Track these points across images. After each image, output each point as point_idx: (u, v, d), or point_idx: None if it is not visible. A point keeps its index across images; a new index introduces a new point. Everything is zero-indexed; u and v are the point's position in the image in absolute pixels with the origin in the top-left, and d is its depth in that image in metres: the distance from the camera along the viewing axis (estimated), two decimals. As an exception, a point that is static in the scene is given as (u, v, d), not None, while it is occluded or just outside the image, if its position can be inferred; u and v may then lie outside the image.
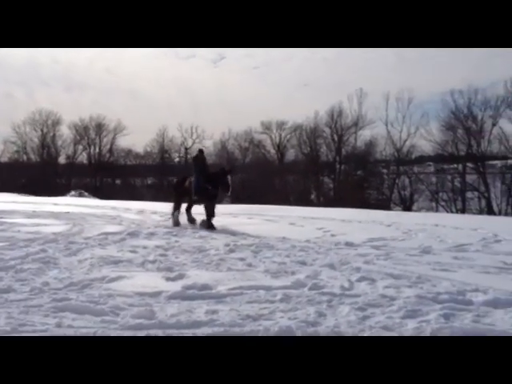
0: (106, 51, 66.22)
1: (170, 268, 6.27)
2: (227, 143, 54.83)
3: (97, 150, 55.86)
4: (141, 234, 9.65)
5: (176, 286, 5.21)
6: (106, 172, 54.84)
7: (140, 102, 74.00)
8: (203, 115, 71.61)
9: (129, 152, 56.06)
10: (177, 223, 12.04)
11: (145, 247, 7.91)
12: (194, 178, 12.12)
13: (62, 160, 56.42)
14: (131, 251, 7.50)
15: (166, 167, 53.92)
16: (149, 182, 56.13)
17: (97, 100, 72.06)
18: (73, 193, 39.98)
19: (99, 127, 55.13)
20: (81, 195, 38.32)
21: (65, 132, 55.43)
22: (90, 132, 55.43)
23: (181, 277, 5.74)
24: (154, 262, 6.69)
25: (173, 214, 12.27)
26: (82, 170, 55.34)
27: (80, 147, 55.82)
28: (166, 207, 18.38)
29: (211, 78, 74.19)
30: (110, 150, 55.82)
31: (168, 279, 5.66)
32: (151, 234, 9.63)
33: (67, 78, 74.20)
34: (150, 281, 5.56)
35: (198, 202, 12.12)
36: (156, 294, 4.92)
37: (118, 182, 56.49)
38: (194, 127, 53.98)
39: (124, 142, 56.04)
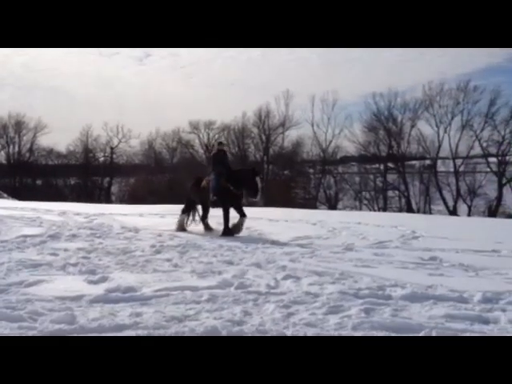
0: (24, 45, 62.86)
1: (93, 271, 6.06)
2: (155, 143, 54.08)
3: (16, 149, 53.09)
4: (62, 236, 9.27)
5: (99, 290, 5.05)
6: (26, 172, 52.26)
7: (62, 99, 71.12)
8: (129, 114, 70.13)
9: (50, 151, 53.75)
10: (182, 227, 11.12)
11: (66, 250, 7.61)
12: (214, 177, 10.89)
13: (-22, 160, 53.33)
14: (52, 254, 7.18)
15: (90, 167, 52.24)
16: (72, 182, 54.07)
17: (15, 97, 68.45)
18: (-11, 194, 37.87)
19: (18, 125, 52.41)
20: (-2, 196, 36.36)
21: (-19, 130, 52.36)
22: (9, 130, 52.67)
23: (104, 279, 5.56)
24: (75, 264, 6.44)
25: (180, 216, 11.33)
26: (0, 170, 52.45)
27: (-2, 146, 52.95)
28: (90, 208, 17.88)
29: (137, 76, 72.77)
30: (31, 150, 53.28)
31: (90, 282, 5.47)
32: (73, 236, 9.28)
33: (-19, 73, 70.01)
34: (71, 284, 5.33)
35: (216, 205, 10.92)
36: (77, 298, 4.74)
37: (38, 182, 54.00)
38: (119, 126, 52.62)
39: (45, 140, 53.52)
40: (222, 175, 10.79)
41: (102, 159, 54.39)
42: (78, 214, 14.49)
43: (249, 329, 3.86)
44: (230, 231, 10.48)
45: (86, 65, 71.06)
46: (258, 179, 10.61)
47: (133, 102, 71.66)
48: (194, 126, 52.21)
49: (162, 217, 14.67)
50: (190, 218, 11.57)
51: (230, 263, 6.86)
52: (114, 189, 53.37)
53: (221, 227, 10.76)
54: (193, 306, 4.56)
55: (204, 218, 11.47)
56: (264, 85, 66.80)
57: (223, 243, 8.80)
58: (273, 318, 4.19)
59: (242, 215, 10.67)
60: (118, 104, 70.27)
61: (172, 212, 16.11)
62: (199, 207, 11.75)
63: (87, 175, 51.85)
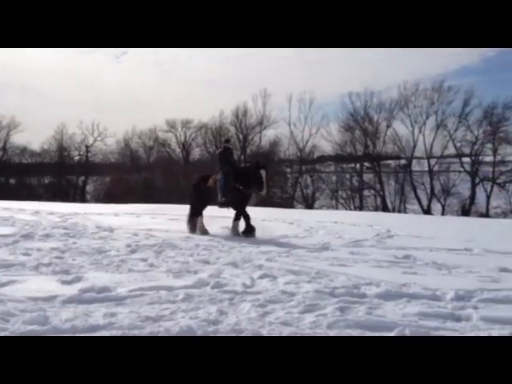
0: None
1: (67, 271, 5.97)
2: (131, 141, 53.44)
3: (-12, 147, 52.09)
4: (36, 235, 9.11)
5: (72, 290, 4.97)
6: (-1, 171, 51.29)
7: (36, 97, 69.71)
8: (105, 112, 69.05)
9: (24, 150, 52.75)
10: (194, 229, 10.58)
11: (39, 250, 7.47)
12: (221, 177, 10.49)
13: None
14: (24, 254, 7.04)
15: (65, 166, 51.45)
16: (46, 181, 53.18)
17: (-14, 95, 66.83)
18: (-40, 193, 37.03)
19: (-10, 123, 51.40)
20: (-31, 195, 35.59)
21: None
22: (-19, 129, 51.55)
23: (78, 280, 5.48)
24: (49, 264, 6.34)
25: (190, 219, 10.76)
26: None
27: (-31, 144, 51.77)
28: (65, 208, 17.64)
29: (113, 74, 71.87)
30: (4, 148, 52.14)
31: (64, 282, 5.38)
32: (47, 236, 9.12)
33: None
34: (44, 285, 5.24)
35: (225, 206, 10.58)
36: (50, 299, 4.66)
37: (12, 181, 52.98)
38: (95, 124, 51.85)
39: (19, 139, 52.52)
40: (230, 174, 10.45)
41: (77, 158, 53.60)
42: (52, 214, 14.27)
43: (224, 328, 3.86)
44: (252, 228, 10.18)
45: (60, 62, 69.80)
46: (262, 172, 10.25)
47: (109, 100, 70.87)
48: (171, 125, 51.87)
49: (138, 216, 14.55)
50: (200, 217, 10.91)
51: (207, 262, 6.85)
52: (90, 188, 52.68)
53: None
54: (168, 306, 4.53)
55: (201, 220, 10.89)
56: (242, 84, 67.06)
57: (200, 242, 8.77)
58: (248, 318, 4.19)
59: (235, 219, 10.34)
60: (94, 102, 69.35)
61: (148, 211, 16.07)
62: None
63: (62, 174, 51.03)
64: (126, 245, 8.22)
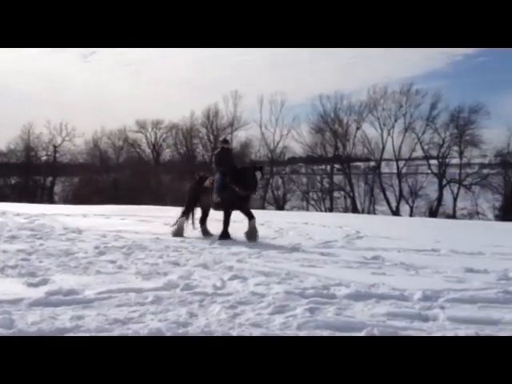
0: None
1: (33, 273, 5.84)
2: (100, 142, 52.62)
3: (-49, 146, 50.66)
4: (1, 237, 8.92)
5: (39, 292, 4.87)
6: (-38, 171, 49.92)
7: (1, 96, 68.18)
8: (74, 112, 67.83)
9: (-11, 149, 51.54)
10: (180, 233, 10.28)
11: (5, 251, 7.31)
12: (219, 177, 10.19)
13: None
14: (-11, 256, 6.90)
15: (32, 166, 50.37)
16: (13, 181, 51.97)
17: None
18: None
19: (-46, 122, 50.08)
20: None
21: None
22: None
23: (45, 282, 5.37)
24: (15, 267, 6.20)
25: (179, 219, 10.45)
26: None
27: None
28: (32, 209, 17.28)
29: (82, 73, 70.61)
30: (-32, 147, 50.94)
31: (30, 285, 5.26)
32: (13, 238, 8.94)
33: None
34: (9, 287, 5.12)
35: (220, 207, 10.18)
36: (16, 302, 4.55)
37: (-24, 181, 51.70)
38: (63, 124, 50.85)
39: (-17, 138, 51.34)
40: (227, 175, 10.13)
41: (44, 158, 52.54)
42: (18, 215, 13.98)
43: (194, 330, 3.84)
44: (227, 235, 9.92)
45: (27, 62, 68.26)
46: (257, 174, 10.00)
47: (77, 100, 69.53)
48: (141, 125, 51.40)
49: (107, 217, 14.37)
50: (190, 221, 10.68)
51: (177, 264, 6.80)
52: (58, 188, 51.66)
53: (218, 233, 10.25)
54: (137, 308, 4.48)
55: (203, 222, 10.71)
56: (213, 85, 66.43)
57: (170, 244, 8.71)
58: (218, 319, 4.18)
59: (251, 217, 9.97)
60: (62, 102, 68.07)
61: (118, 213, 15.88)
62: (197, 210, 10.86)
63: (28, 174, 49.93)
64: (94, 246, 8.10)
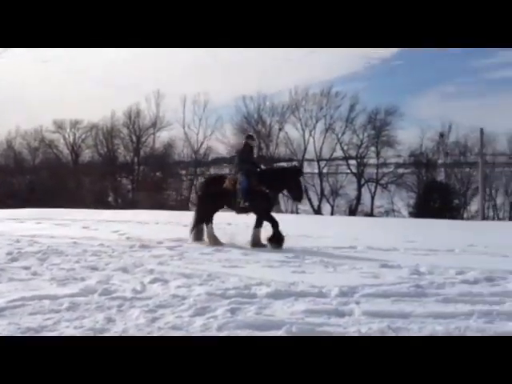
0: None
1: None
2: (14, 142, 50.00)
3: None
4: None
5: None
6: None
7: None
8: (-16, 110, 63.98)
9: None
10: (199, 237, 9.55)
11: None
12: (243, 178, 9.25)
13: None
14: None
15: None
16: None
17: None
18: None
19: None
20: None
21: None
22: None
23: (-51, 292, 5.05)
24: None
25: (195, 227, 9.65)
26: None
27: None
28: None
29: (-6, 70, 66.73)
30: None
31: None
32: None
33: None
34: None
35: (246, 211, 9.41)
36: None
37: None
38: (-27, 123, 48.12)
39: None
40: (253, 175, 9.33)
41: (-49, 158, 49.32)
42: None
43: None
44: (281, 236, 9.10)
45: None
46: (301, 180, 9.40)
47: (-12, 98, 65.56)
48: (59, 125, 49.26)
49: (22, 221, 13.73)
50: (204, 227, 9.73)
51: (95, 269, 6.59)
52: (-33, 192, 48.67)
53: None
54: (51, 316, 4.30)
55: (197, 226, 9.84)
56: (134, 84, 64.78)
57: (88, 248, 8.42)
58: (137, 324, 4.10)
59: (274, 224, 9.18)
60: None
61: (33, 216, 15.19)
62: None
63: None
64: (6, 252, 7.71)
